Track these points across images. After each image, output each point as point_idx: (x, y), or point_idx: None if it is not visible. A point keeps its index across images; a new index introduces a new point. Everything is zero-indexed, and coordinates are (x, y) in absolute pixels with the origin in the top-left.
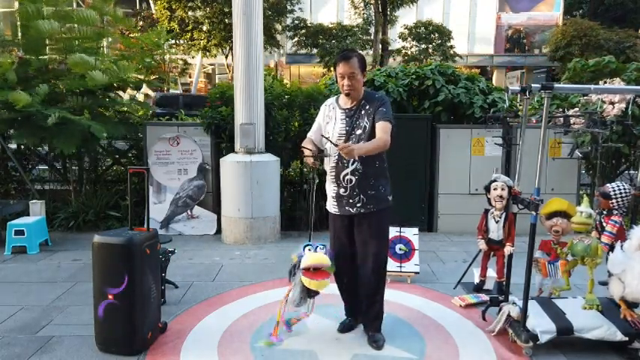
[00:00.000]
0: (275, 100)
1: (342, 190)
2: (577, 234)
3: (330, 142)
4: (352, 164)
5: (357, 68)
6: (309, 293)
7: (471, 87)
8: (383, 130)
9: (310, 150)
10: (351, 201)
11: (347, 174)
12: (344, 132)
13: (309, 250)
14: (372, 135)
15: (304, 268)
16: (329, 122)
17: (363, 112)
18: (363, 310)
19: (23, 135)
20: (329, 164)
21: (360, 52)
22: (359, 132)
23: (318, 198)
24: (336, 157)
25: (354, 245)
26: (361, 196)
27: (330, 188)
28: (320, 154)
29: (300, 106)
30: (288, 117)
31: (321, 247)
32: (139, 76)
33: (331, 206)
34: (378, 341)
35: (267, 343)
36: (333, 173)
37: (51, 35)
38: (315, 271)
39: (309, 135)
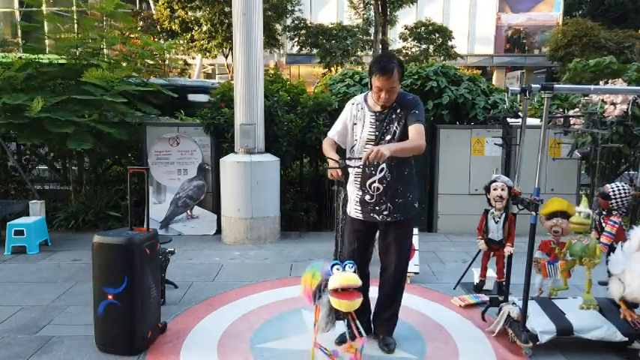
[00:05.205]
0: (280, 108)
1: (367, 197)
2: (576, 234)
3: (355, 161)
4: (380, 172)
5: (397, 81)
6: (337, 315)
7: (473, 88)
8: (418, 132)
9: (337, 161)
10: (377, 208)
11: (374, 182)
12: (373, 137)
13: (338, 269)
14: (401, 140)
15: (333, 289)
16: (357, 124)
17: (394, 115)
18: (376, 312)
19: (32, 136)
20: (354, 169)
21: (383, 55)
22: (388, 137)
23: (327, 199)
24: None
25: (368, 250)
26: (388, 205)
27: (354, 192)
28: (346, 165)
29: (308, 113)
30: (292, 119)
31: (350, 265)
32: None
33: (353, 210)
34: (389, 344)
35: None
36: (359, 179)
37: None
38: (342, 291)
39: (330, 135)
